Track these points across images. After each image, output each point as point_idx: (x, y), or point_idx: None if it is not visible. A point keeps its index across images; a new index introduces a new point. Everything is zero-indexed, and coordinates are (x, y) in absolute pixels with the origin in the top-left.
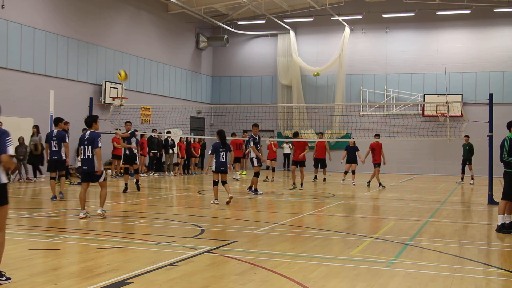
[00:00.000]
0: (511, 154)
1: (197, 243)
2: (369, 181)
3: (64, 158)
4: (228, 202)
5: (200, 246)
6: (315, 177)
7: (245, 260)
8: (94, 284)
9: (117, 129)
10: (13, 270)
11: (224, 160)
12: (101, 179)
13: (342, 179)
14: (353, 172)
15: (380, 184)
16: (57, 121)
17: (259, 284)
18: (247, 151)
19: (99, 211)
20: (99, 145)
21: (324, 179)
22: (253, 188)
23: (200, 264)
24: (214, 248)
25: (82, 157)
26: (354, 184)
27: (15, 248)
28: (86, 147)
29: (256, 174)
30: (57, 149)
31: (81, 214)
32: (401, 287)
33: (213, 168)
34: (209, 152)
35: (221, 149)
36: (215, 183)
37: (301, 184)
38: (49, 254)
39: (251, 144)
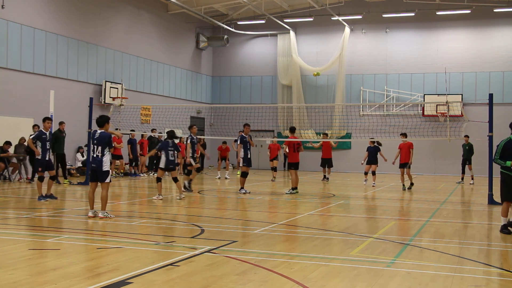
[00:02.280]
0: (503, 157)
1: (197, 243)
2: (411, 183)
3: (41, 158)
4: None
5: (200, 246)
6: (324, 177)
7: (245, 260)
8: (94, 284)
9: (116, 129)
10: (13, 270)
11: (173, 158)
12: (107, 180)
13: (364, 180)
14: (373, 173)
15: (404, 185)
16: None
17: (259, 284)
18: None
19: (100, 215)
20: (113, 145)
21: (327, 178)
22: (240, 186)
23: (200, 264)
24: (214, 248)
25: (91, 155)
26: (374, 185)
27: (15, 248)
28: (96, 146)
29: (243, 174)
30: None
31: (90, 214)
32: (401, 287)
33: (162, 165)
34: (157, 148)
35: (169, 148)
36: (159, 180)
37: (295, 188)
38: (49, 254)
39: (238, 142)
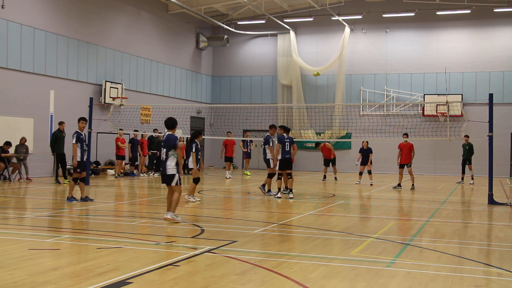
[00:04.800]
0: None
1: (197, 243)
2: (412, 184)
3: (78, 159)
4: None
5: (200, 246)
6: (324, 177)
7: (245, 260)
8: (94, 284)
9: (120, 129)
10: (13, 270)
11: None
12: (173, 183)
13: (357, 181)
14: (369, 172)
15: (400, 184)
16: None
17: (259, 284)
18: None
19: (168, 216)
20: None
21: (335, 178)
22: (266, 189)
23: (200, 264)
24: (214, 248)
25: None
26: (371, 184)
27: (15, 248)
28: (162, 149)
29: (270, 175)
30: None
31: (167, 216)
32: (401, 287)
33: (193, 166)
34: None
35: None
36: (198, 181)
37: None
38: (49, 254)
39: (271, 144)
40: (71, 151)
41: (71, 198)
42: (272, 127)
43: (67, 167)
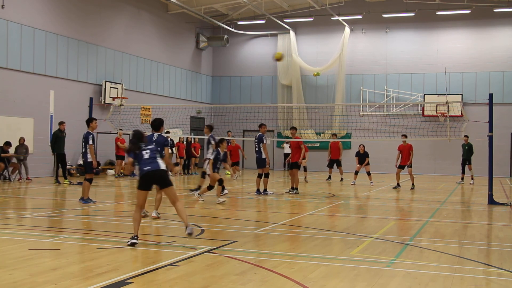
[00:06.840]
0: None
1: (197, 243)
2: (412, 184)
3: (89, 160)
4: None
5: (200, 246)
6: (329, 177)
7: (245, 260)
8: (94, 284)
9: (120, 129)
10: (13, 270)
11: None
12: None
13: (352, 182)
14: (368, 174)
15: (399, 184)
16: (87, 121)
17: (259, 284)
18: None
19: (154, 214)
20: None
21: (342, 179)
22: (262, 189)
23: (200, 264)
24: (214, 248)
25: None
26: (372, 185)
27: (15, 248)
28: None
29: (266, 175)
30: (84, 150)
31: (154, 214)
32: (401, 287)
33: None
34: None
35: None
36: (221, 182)
37: (295, 187)
38: (49, 254)
39: (265, 142)
40: (72, 152)
41: (87, 200)
42: (262, 125)
43: (67, 167)
